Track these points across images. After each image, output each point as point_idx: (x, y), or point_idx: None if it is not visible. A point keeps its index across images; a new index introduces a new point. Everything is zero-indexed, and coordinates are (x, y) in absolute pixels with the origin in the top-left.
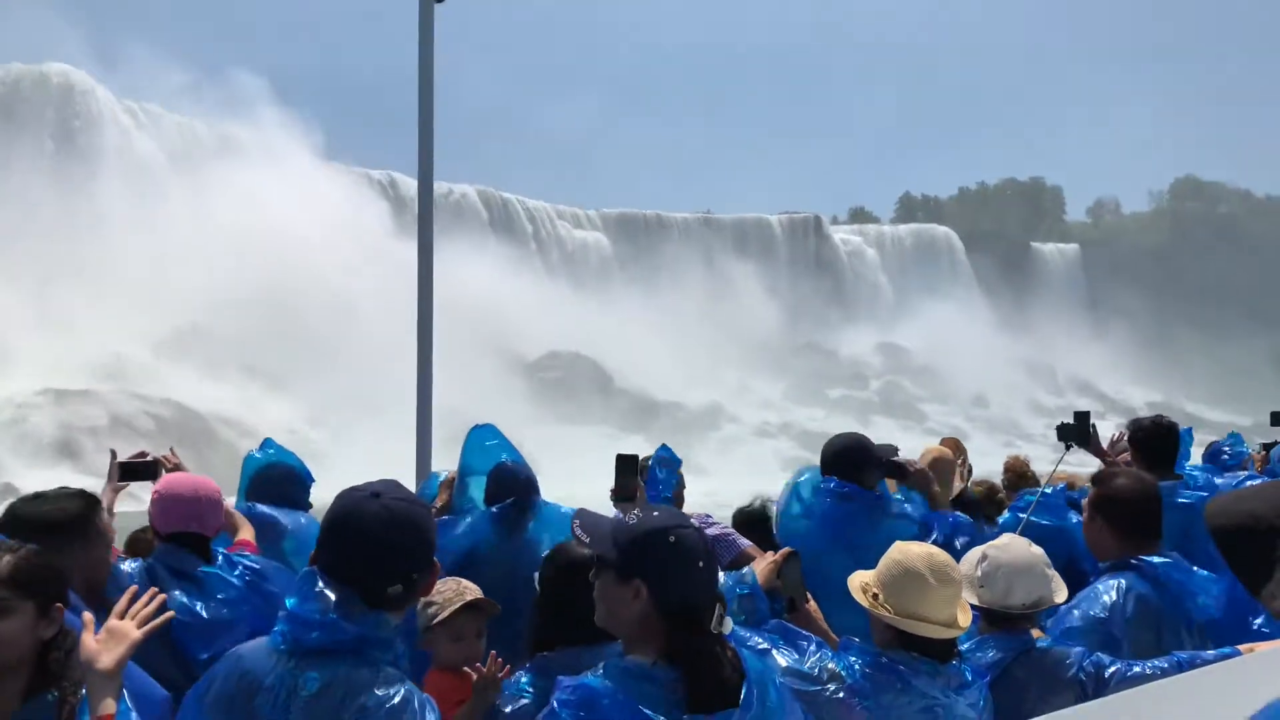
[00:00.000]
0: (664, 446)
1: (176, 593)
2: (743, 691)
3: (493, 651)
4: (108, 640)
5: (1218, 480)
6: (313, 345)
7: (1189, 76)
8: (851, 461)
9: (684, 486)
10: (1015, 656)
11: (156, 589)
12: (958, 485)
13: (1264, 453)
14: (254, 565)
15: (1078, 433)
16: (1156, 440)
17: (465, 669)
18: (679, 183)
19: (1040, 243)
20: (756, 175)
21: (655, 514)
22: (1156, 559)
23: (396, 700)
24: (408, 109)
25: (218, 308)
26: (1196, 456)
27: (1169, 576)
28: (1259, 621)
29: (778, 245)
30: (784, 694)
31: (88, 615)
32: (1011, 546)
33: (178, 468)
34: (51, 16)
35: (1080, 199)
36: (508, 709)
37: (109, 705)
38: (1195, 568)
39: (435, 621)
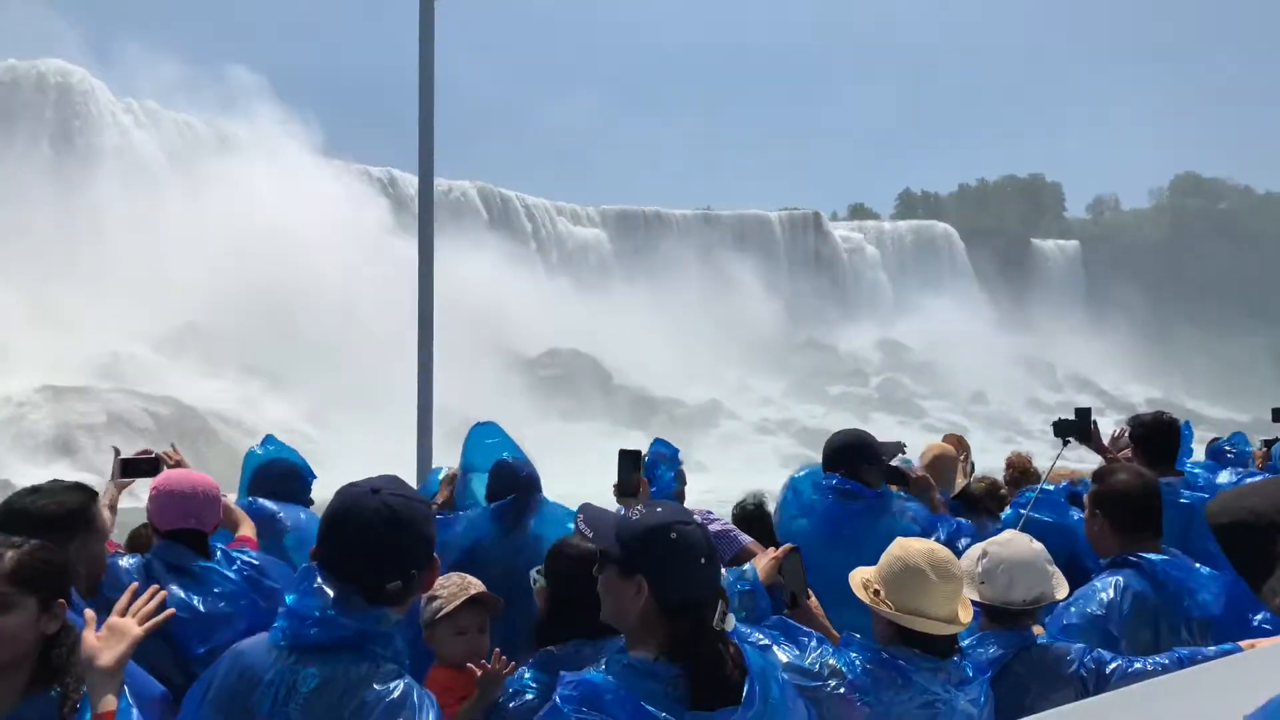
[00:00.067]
0: (659, 440)
1: (173, 587)
2: (745, 688)
3: (497, 649)
4: (109, 637)
5: (1219, 480)
6: (311, 343)
7: (1189, 73)
8: (853, 458)
9: (685, 483)
10: (1016, 653)
11: (157, 586)
12: (960, 482)
13: (1265, 449)
14: (252, 561)
15: (1075, 428)
16: (1158, 436)
17: (470, 665)
18: (678, 179)
19: (1040, 239)
20: (756, 172)
21: (658, 510)
22: (1155, 556)
23: (396, 695)
24: (407, 106)
25: (216, 305)
26: (1199, 453)
27: (1167, 574)
28: (1259, 618)
29: (777, 242)
30: (787, 690)
31: (89, 613)
32: (1012, 542)
33: (180, 464)
34: (48, 13)
35: (1080, 195)
36: (511, 704)
37: (110, 702)
38: (1196, 564)
39: (439, 616)
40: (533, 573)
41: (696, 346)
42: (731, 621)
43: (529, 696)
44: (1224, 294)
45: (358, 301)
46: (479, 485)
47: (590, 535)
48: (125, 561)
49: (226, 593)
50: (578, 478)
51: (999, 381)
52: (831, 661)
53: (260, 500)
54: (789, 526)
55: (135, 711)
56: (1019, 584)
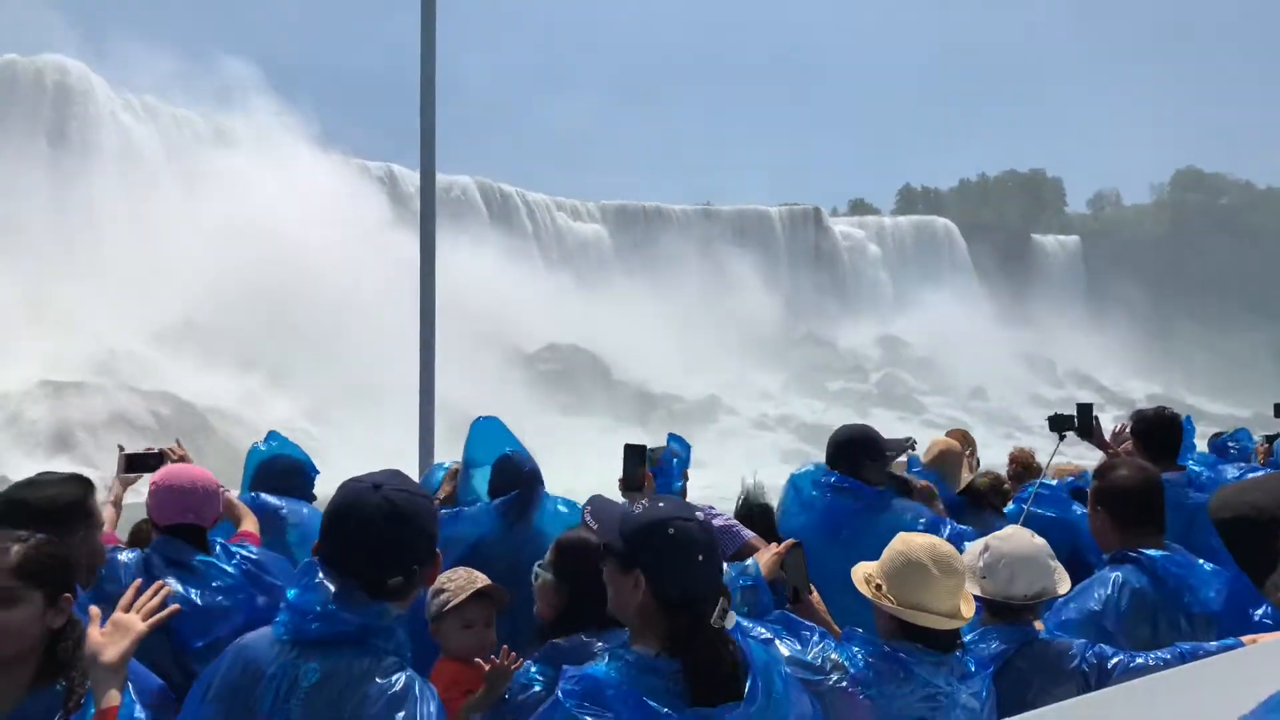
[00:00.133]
0: (674, 436)
1: (171, 581)
2: (747, 684)
3: (504, 645)
4: (113, 633)
5: (1226, 475)
6: (311, 338)
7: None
8: (856, 454)
9: (687, 479)
10: (1018, 648)
11: (161, 582)
12: (966, 477)
13: (1267, 445)
14: (251, 555)
15: (1074, 423)
16: (1160, 431)
17: (477, 660)
18: (678, 174)
19: (1041, 234)
20: (756, 167)
21: (660, 505)
22: (1156, 552)
23: (398, 688)
24: (406, 100)
25: (215, 301)
26: (1201, 447)
27: (1168, 570)
28: (1261, 613)
29: (777, 237)
30: (790, 684)
31: (94, 609)
32: (1014, 537)
33: (183, 460)
34: (44, 7)
35: (1081, 190)
36: (518, 698)
37: (113, 697)
38: (1198, 560)
39: (446, 609)
40: (536, 567)
41: (696, 342)
42: (732, 619)
43: (535, 689)
44: (1225, 289)
45: (357, 297)
46: (481, 480)
47: (595, 528)
48: (124, 556)
49: (225, 587)
50: (577, 472)
51: (999, 377)
52: (834, 656)
53: (263, 496)
54: (790, 523)
55: (138, 706)
56: (1021, 579)
